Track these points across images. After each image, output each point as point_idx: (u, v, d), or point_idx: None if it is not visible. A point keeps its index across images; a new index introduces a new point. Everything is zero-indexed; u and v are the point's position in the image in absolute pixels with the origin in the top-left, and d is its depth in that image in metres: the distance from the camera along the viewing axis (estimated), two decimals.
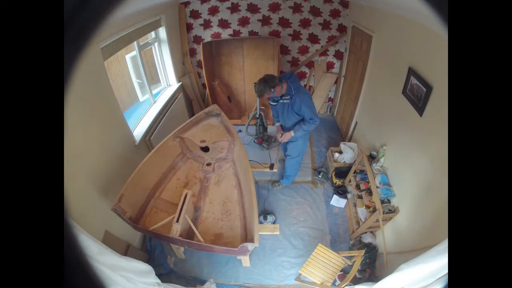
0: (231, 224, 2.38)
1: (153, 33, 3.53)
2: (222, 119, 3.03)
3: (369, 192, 2.53)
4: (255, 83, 3.59)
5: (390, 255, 2.21)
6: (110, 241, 2.09)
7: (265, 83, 2.31)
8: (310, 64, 4.51)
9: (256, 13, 4.11)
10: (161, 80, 3.99)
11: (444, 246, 1.23)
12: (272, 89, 2.31)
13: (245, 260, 2.44)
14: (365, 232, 2.63)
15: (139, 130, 3.04)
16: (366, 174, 2.67)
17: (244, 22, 4.19)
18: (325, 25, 4.12)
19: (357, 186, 2.77)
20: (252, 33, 4.27)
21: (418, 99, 1.97)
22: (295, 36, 4.27)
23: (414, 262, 1.34)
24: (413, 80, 2.05)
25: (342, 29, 4.11)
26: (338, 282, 2.18)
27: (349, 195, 3.08)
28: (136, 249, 2.49)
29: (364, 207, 2.57)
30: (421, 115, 1.95)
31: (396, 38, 2.46)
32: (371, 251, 2.46)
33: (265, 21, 4.17)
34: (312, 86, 4.70)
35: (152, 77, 3.75)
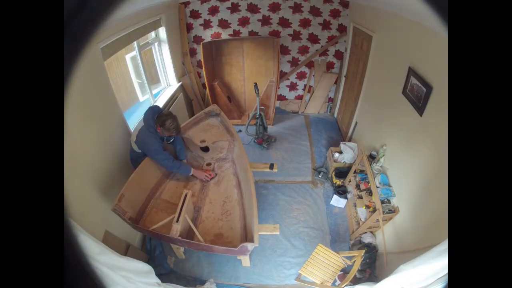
0: (231, 224, 2.38)
1: (153, 33, 3.53)
2: (221, 119, 3.03)
3: (369, 192, 2.53)
4: (255, 83, 3.61)
5: (390, 255, 2.21)
6: (110, 241, 2.09)
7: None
8: (310, 64, 4.51)
9: (256, 13, 4.11)
10: (161, 80, 3.99)
11: (444, 246, 1.22)
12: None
13: (245, 260, 2.44)
14: (365, 232, 2.63)
15: None
16: (366, 174, 2.67)
17: (244, 22, 4.19)
18: (325, 25, 4.12)
19: (357, 186, 2.77)
20: (252, 33, 4.27)
21: (418, 99, 1.97)
22: (295, 36, 4.27)
23: (414, 262, 1.33)
24: (413, 80, 2.05)
25: (342, 29, 4.11)
26: (338, 282, 2.18)
27: (349, 195, 3.08)
28: (136, 249, 2.49)
29: (364, 207, 2.57)
30: (421, 115, 1.94)
31: (396, 38, 2.46)
32: (371, 251, 2.46)
33: (265, 21, 4.17)
34: (312, 86, 4.70)
35: (152, 77, 3.75)
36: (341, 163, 3.20)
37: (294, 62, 4.53)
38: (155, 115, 2.27)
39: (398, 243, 2.19)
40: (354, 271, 1.96)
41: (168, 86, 4.09)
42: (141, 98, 3.37)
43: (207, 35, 4.29)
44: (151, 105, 2.33)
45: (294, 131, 4.37)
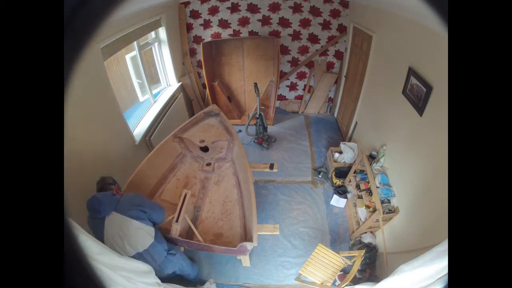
0: (230, 223, 2.38)
1: (153, 33, 3.53)
2: (221, 118, 3.03)
3: (369, 192, 2.53)
4: (255, 83, 3.61)
5: (390, 255, 2.21)
6: None
7: None
8: (310, 64, 4.51)
9: (256, 13, 4.11)
10: (161, 80, 3.99)
11: (444, 246, 1.22)
12: None
13: (245, 260, 2.44)
14: (365, 232, 2.63)
15: (139, 130, 3.04)
16: (366, 174, 2.67)
17: (244, 22, 4.19)
18: (325, 25, 4.12)
19: (357, 186, 2.77)
20: (252, 33, 4.27)
21: (418, 99, 1.97)
22: (295, 36, 4.27)
23: (414, 263, 1.33)
24: (413, 80, 2.05)
25: (342, 29, 4.11)
26: (338, 282, 2.18)
27: (349, 195, 3.08)
28: None
29: (364, 207, 2.57)
30: (421, 115, 1.95)
31: (396, 38, 2.46)
32: (371, 251, 2.46)
33: (265, 21, 4.17)
34: (312, 86, 4.70)
35: (152, 77, 3.75)
36: (341, 163, 3.20)
37: (294, 62, 4.53)
38: (103, 186, 1.77)
39: (398, 243, 2.19)
40: (354, 271, 1.96)
41: (168, 86, 4.09)
42: (141, 98, 3.37)
43: (207, 35, 4.29)
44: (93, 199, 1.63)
45: (294, 131, 4.37)
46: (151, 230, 1.70)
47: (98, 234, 1.58)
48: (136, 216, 1.62)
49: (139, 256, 1.64)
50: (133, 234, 1.60)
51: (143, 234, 1.65)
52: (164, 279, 1.74)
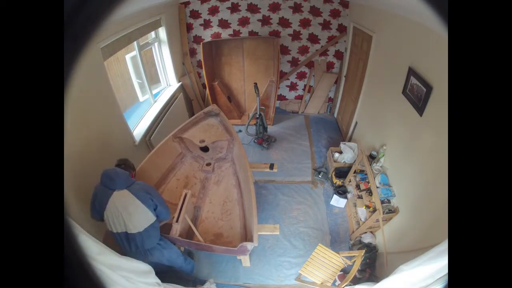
0: (231, 223, 2.38)
1: (153, 33, 3.53)
2: (221, 118, 3.03)
3: (369, 192, 2.53)
4: (255, 83, 3.61)
5: (390, 255, 2.21)
6: (111, 241, 2.09)
7: None
8: (310, 64, 4.51)
9: (256, 13, 4.11)
10: (161, 80, 3.99)
11: (444, 246, 1.22)
12: None
13: (245, 260, 2.44)
14: (365, 232, 2.63)
15: (139, 130, 3.05)
16: (366, 174, 2.67)
17: (244, 22, 4.19)
18: (325, 25, 4.12)
19: (357, 186, 2.77)
20: (252, 33, 4.27)
21: (418, 99, 1.97)
22: (295, 36, 4.27)
23: (414, 263, 1.33)
24: (413, 80, 2.05)
25: (342, 29, 4.11)
26: (338, 282, 2.18)
27: (349, 195, 3.08)
28: None
29: (364, 207, 2.57)
30: (421, 115, 1.95)
31: (396, 38, 2.46)
32: (371, 251, 2.45)
33: (265, 21, 4.17)
34: (312, 86, 4.70)
35: (152, 77, 3.75)
36: (341, 163, 3.19)
37: (294, 62, 4.53)
38: (124, 165, 1.86)
39: (398, 243, 2.19)
40: (354, 271, 1.96)
41: (168, 86, 4.09)
42: (141, 98, 3.37)
43: (207, 35, 4.29)
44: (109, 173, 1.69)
45: (294, 131, 4.37)
46: (152, 218, 1.76)
47: (101, 202, 1.65)
48: (144, 201, 1.69)
49: (130, 236, 1.71)
50: (136, 215, 1.67)
51: (143, 218, 1.72)
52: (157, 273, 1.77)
